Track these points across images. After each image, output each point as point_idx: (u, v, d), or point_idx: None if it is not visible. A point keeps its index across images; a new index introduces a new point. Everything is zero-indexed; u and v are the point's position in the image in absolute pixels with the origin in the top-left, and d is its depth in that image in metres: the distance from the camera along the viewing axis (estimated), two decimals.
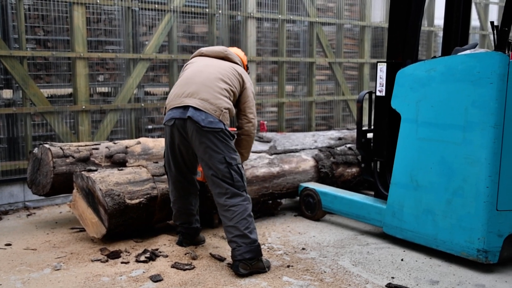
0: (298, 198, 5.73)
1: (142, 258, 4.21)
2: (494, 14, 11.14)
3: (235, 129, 4.39)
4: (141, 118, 6.82)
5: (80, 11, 6.11)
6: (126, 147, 5.36)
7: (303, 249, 4.63)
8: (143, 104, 6.78)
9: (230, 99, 4.17)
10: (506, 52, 4.04)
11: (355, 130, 5.34)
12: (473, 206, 4.09)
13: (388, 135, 4.89)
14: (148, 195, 4.59)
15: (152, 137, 6.52)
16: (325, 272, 4.11)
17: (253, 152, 5.55)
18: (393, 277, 4.04)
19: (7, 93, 6.02)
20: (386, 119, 4.87)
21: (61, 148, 5.07)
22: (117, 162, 5.23)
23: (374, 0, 9.12)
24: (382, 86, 4.90)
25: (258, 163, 5.44)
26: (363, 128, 5.18)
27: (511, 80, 3.95)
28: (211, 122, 3.97)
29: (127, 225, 4.55)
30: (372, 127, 5.10)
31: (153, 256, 4.23)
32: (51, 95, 6.31)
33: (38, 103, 5.94)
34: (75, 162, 5.05)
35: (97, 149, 5.22)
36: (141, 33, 6.76)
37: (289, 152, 5.89)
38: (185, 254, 4.29)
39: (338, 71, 8.75)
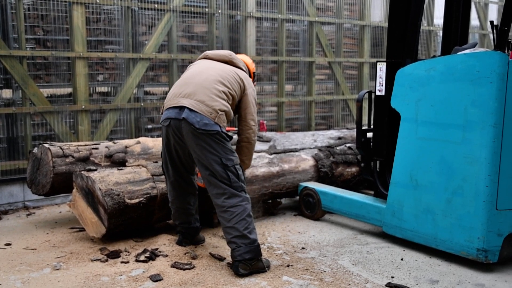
0: (297, 197, 5.73)
1: (142, 257, 4.21)
2: (493, 14, 11.15)
3: (235, 128, 4.37)
4: (141, 118, 6.82)
5: (79, 10, 6.11)
6: (126, 147, 5.36)
7: (303, 248, 4.63)
8: (142, 104, 6.78)
9: (228, 102, 4.11)
10: (506, 51, 4.04)
11: (355, 130, 5.35)
12: (472, 206, 4.09)
13: (387, 135, 4.89)
14: (148, 195, 4.59)
15: (152, 136, 6.52)
16: (324, 271, 4.11)
17: None
18: (393, 277, 4.04)
19: (7, 93, 6.02)
20: (386, 118, 4.87)
21: (60, 147, 5.07)
22: (117, 161, 5.23)
23: None
24: (382, 85, 4.90)
25: (257, 162, 5.44)
26: (363, 128, 5.18)
27: (511, 79, 3.96)
28: (206, 125, 3.93)
29: (126, 224, 4.55)
30: (372, 126, 5.10)
31: (152, 255, 4.23)
32: (51, 95, 6.31)
33: (37, 103, 5.94)
34: (75, 161, 5.05)
35: (96, 148, 5.22)
36: (140, 32, 6.76)
37: (289, 151, 5.89)
38: (185, 254, 4.29)
39: (337, 71, 8.76)
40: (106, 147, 5.28)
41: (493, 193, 4.03)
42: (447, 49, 5.17)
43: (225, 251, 4.46)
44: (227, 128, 4.22)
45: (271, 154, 5.71)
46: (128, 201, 4.46)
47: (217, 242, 4.71)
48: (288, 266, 4.20)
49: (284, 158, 5.71)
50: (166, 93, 7.04)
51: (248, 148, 4.37)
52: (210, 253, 4.38)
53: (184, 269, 4.05)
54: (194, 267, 4.11)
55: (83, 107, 6.23)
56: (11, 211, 5.76)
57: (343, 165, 6.03)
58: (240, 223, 3.95)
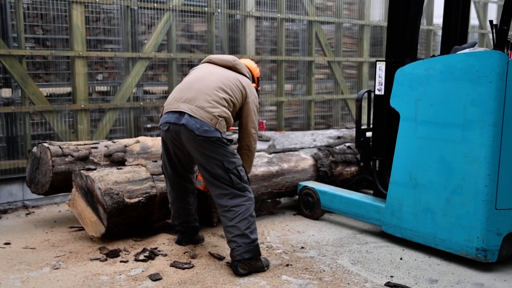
0: (297, 197, 5.73)
1: (141, 257, 4.21)
2: (493, 13, 11.14)
3: (234, 128, 4.35)
4: (140, 117, 6.82)
5: (79, 10, 6.11)
6: (125, 146, 5.36)
7: (302, 248, 4.63)
8: (142, 103, 6.77)
9: (228, 109, 4.08)
10: (505, 51, 4.05)
11: (354, 129, 5.34)
12: (472, 205, 4.09)
13: (387, 134, 4.89)
14: (147, 194, 4.59)
15: (151, 136, 6.52)
16: (324, 271, 4.11)
17: None
18: (392, 276, 4.04)
19: (6, 92, 6.02)
20: (385, 118, 4.87)
21: (60, 147, 5.07)
22: (116, 161, 5.23)
23: None
24: (381, 85, 4.90)
25: (257, 162, 5.43)
26: (362, 127, 5.18)
27: (510, 78, 3.96)
28: (206, 131, 3.90)
29: (126, 224, 4.55)
30: (371, 126, 5.10)
31: (152, 255, 4.23)
32: (50, 94, 6.31)
33: (37, 102, 5.94)
34: (74, 161, 5.05)
35: (96, 148, 5.22)
36: (140, 32, 6.75)
37: (288, 151, 5.89)
38: (184, 253, 4.29)
39: (337, 70, 8.76)
40: (106, 146, 5.28)
41: (493, 192, 4.03)
42: (446, 49, 5.17)
43: (225, 250, 4.46)
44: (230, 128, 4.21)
45: (270, 153, 5.71)
46: (127, 200, 4.46)
47: (216, 241, 4.71)
48: (287, 265, 4.20)
49: (284, 158, 5.71)
50: (166, 92, 7.05)
51: (249, 155, 4.37)
52: (209, 253, 4.39)
53: (184, 268, 4.05)
54: (193, 266, 4.11)
55: (83, 106, 6.22)
56: (10, 210, 5.76)
57: (343, 165, 6.03)
58: (242, 222, 3.94)
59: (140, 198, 4.54)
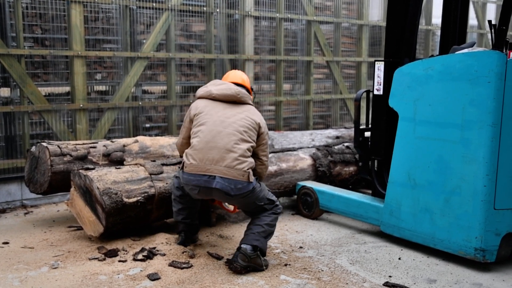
0: (295, 196, 5.73)
1: (140, 256, 4.21)
2: (491, 13, 11.15)
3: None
4: (139, 117, 6.82)
5: (78, 9, 6.10)
6: (124, 146, 5.35)
7: (301, 247, 4.63)
8: (140, 103, 6.77)
9: (251, 156, 4.18)
10: (504, 51, 4.05)
11: (353, 129, 5.34)
12: (470, 205, 4.10)
13: (385, 134, 4.89)
14: (146, 194, 4.59)
15: (150, 135, 6.51)
16: (322, 270, 4.11)
17: None
18: (390, 276, 4.04)
19: (5, 92, 6.01)
20: (384, 117, 4.88)
21: (58, 146, 5.06)
22: (115, 160, 5.22)
23: None
24: (380, 84, 4.90)
25: None
26: (361, 127, 5.18)
27: (509, 78, 3.96)
28: (240, 189, 4.03)
29: (124, 223, 4.54)
30: (370, 125, 5.10)
31: (150, 254, 4.23)
32: (49, 94, 6.30)
33: (35, 102, 5.93)
34: (73, 160, 5.05)
35: (94, 147, 5.22)
36: (138, 31, 6.75)
37: (287, 150, 5.89)
38: (183, 253, 4.29)
39: (335, 70, 8.76)
40: (104, 145, 5.27)
41: (491, 192, 4.03)
42: (445, 49, 5.17)
43: (223, 250, 4.46)
44: None
45: (269, 153, 5.69)
46: (126, 200, 4.46)
47: (215, 241, 4.71)
48: (286, 265, 4.20)
49: (282, 157, 5.71)
50: (164, 91, 7.05)
51: (261, 178, 4.48)
52: (208, 252, 4.38)
53: (182, 268, 4.05)
54: (191, 266, 4.11)
55: (81, 105, 6.22)
56: (9, 210, 5.75)
57: (341, 164, 6.04)
58: (265, 231, 4.15)
59: (139, 198, 4.54)
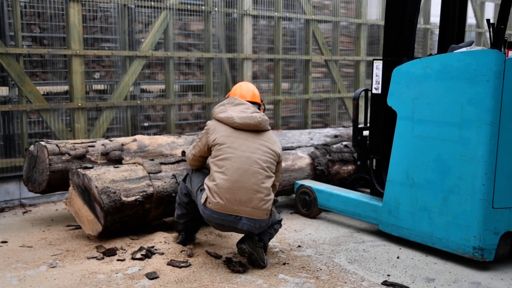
0: (294, 195, 5.73)
1: (138, 255, 4.21)
2: (490, 12, 11.16)
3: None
4: (137, 116, 6.82)
5: (76, 8, 6.10)
6: (122, 145, 5.35)
7: (299, 246, 4.63)
8: (139, 102, 6.76)
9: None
10: (502, 49, 4.05)
11: (351, 128, 5.34)
12: (469, 204, 4.10)
13: (384, 133, 4.89)
14: (144, 193, 4.58)
15: (148, 134, 6.51)
16: (321, 269, 4.11)
17: None
18: (389, 275, 4.04)
19: (3, 91, 6.00)
20: (382, 116, 4.88)
21: (57, 145, 5.06)
22: (113, 159, 5.22)
23: None
24: (378, 83, 4.90)
25: None
26: (359, 126, 5.18)
27: (507, 77, 3.96)
28: (263, 226, 4.11)
29: (123, 222, 4.54)
30: (368, 124, 5.10)
31: (149, 253, 4.23)
32: (47, 93, 6.29)
33: (34, 101, 5.93)
34: (71, 159, 5.04)
35: (93, 146, 5.22)
36: (137, 30, 6.75)
37: (285, 149, 5.89)
38: (181, 252, 4.29)
39: (334, 69, 8.76)
40: (103, 144, 5.27)
41: (490, 191, 4.04)
42: (443, 48, 5.17)
43: (222, 249, 4.46)
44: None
45: None
46: (124, 199, 4.46)
47: (213, 240, 4.71)
48: (284, 264, 4.20)
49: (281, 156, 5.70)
50: (163, 90, 7.05)
51: None
52: (206, 251, 4.38)
53: (180, 267, 4.05)
54: (190, 265, 4.11)
55: (80, 104, 6.21)
56: (7, 209, 5.75)
57: (340, 163, 6.04)
58: (271, 231, 4.33)
59: (137, 197, 4.54)
